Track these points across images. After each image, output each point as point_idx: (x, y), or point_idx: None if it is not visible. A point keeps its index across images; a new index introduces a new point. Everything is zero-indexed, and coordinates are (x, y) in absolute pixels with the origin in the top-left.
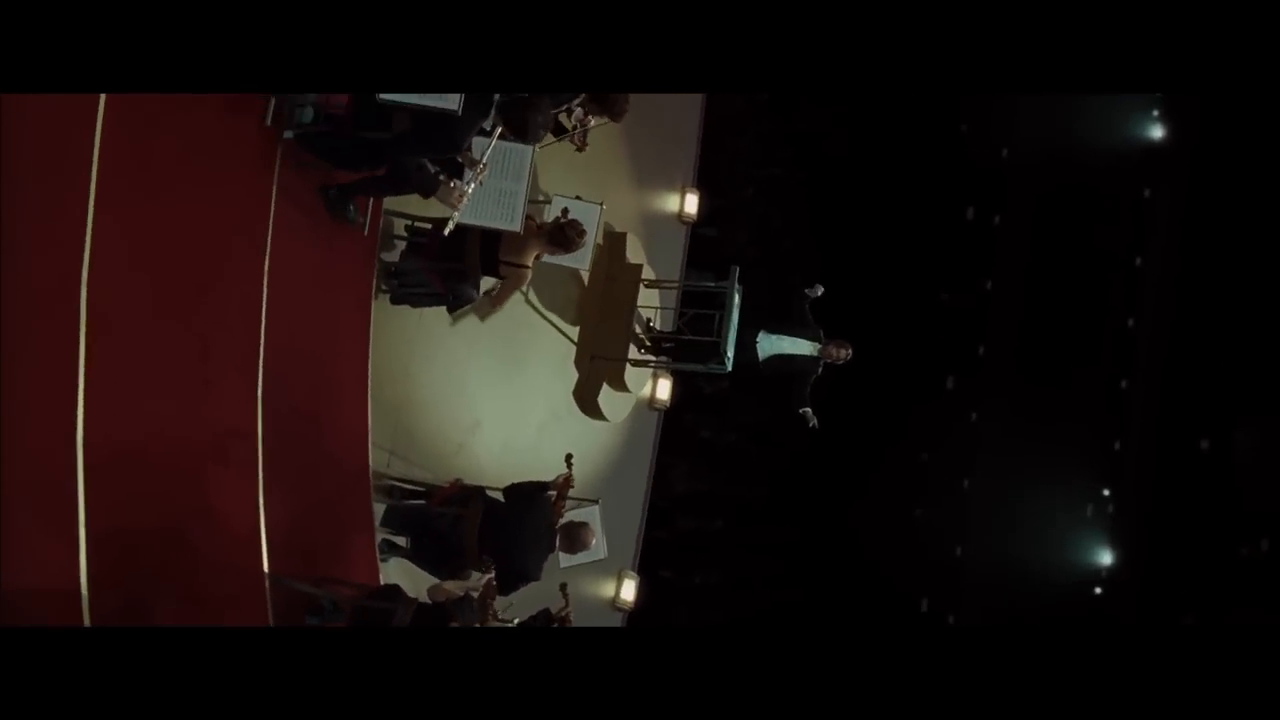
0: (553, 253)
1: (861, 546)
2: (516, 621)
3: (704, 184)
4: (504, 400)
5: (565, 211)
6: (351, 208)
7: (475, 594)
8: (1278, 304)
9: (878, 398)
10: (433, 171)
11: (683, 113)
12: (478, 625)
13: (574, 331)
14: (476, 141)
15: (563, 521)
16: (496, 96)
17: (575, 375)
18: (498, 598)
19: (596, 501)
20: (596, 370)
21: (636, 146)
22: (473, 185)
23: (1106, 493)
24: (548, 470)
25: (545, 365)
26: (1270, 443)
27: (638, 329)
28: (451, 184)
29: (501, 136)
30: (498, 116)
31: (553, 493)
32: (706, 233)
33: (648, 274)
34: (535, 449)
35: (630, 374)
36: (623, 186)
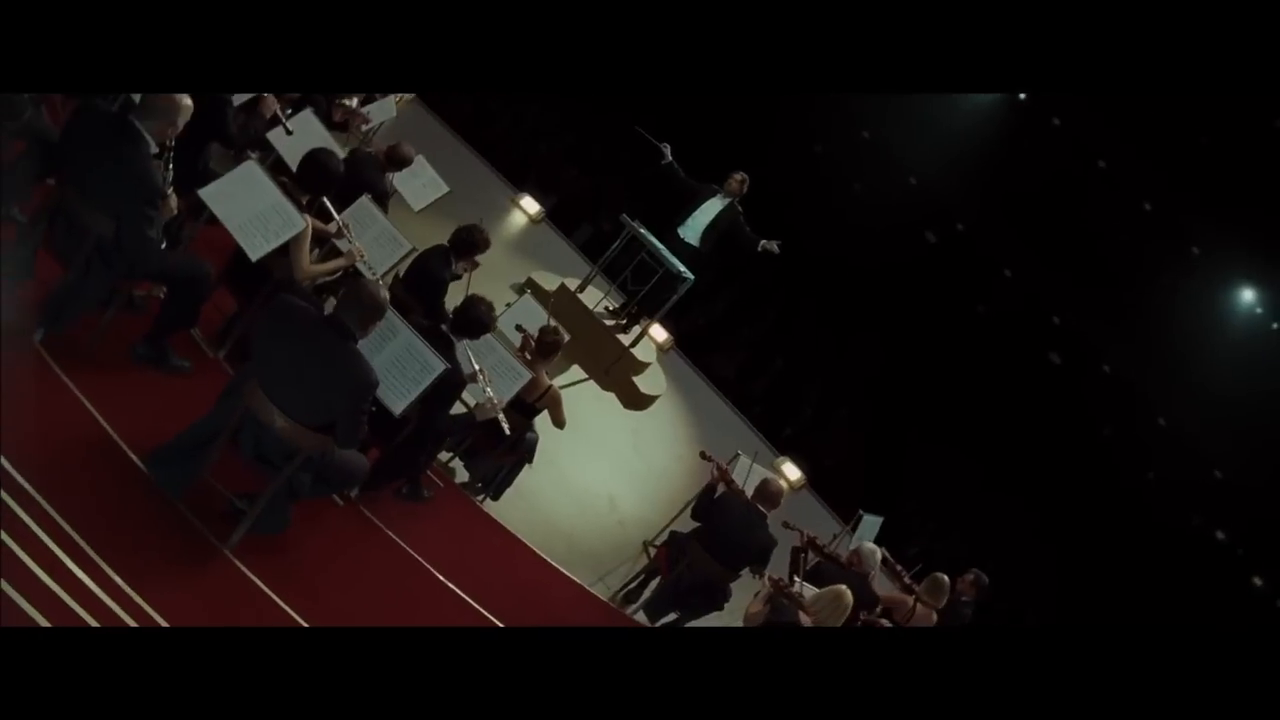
0: (552, 362)
1: (852, 243)
2: (801, 584)
3: (515, 181)
4: (602, 464)
5: (520, 328)
6: (425, 491)
7: (770, 593)
8: None
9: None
10: (444, 420)
11: (446, 153)
12: (799, 610)
13: (580, 372)
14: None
15: (752, 494)
16: (444, 328)
17: (612, 395)
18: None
19: (739, 454)
20: (617, 375)
21: (457, 216)
22: (489, 389)
23: None
24: (679, 463)
25: (594, 414)
26: None
27: (608, 323)
28: (481, 405)
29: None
30: (458, 336)
31: (721, 489)
32: (550, 203)
33: (571, 284)
34: (651, 465)
35: (636, 352)
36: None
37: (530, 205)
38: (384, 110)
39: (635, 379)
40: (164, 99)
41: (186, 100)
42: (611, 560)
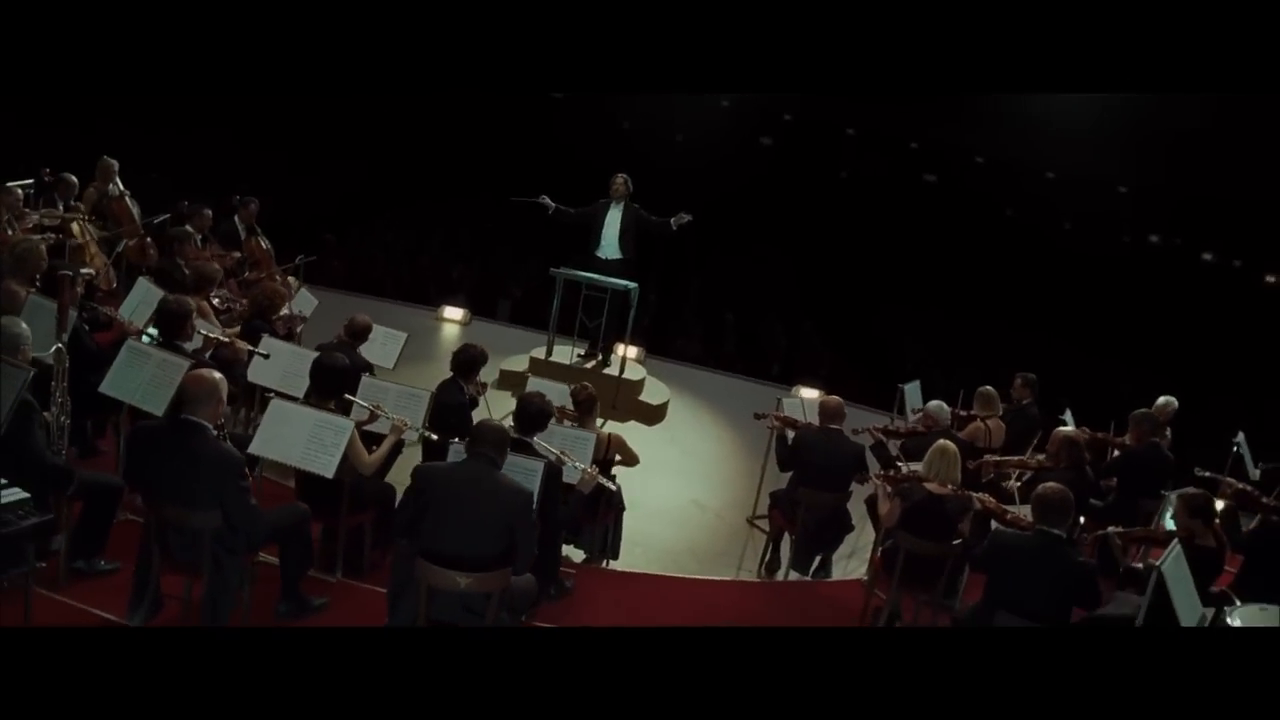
0: (595, 415)
1: (707, 183)
2: (905, 466)
3: (425, 301)
4: (669, 480)
5: (555, 404)
6: (567, 583)
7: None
8: None
9: None
10: (564, 510)
11: (353, 310)
12: (923, 483)
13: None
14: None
15: (818, 421)
16: (514, 433)
17: (633, 421)
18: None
19: (779, 399)
20: (625, 404)
21: (414, 357)
22: (580, 464)
23: None
24: (722, 443)
25: (632, 444)
26: None
27: (589, 366)
28: (582, 479)
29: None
30: (530, 439)
31: (791, 433)
32: (459, 304)
33: (538, 354)
34: (703, 458)
35: (630, 374)
36: (437, 369)
37: (453, 313)
38: (307, 302)
39: (641, 398)
40: (202, 385)
41: (217, 374)
42: (735, 548)
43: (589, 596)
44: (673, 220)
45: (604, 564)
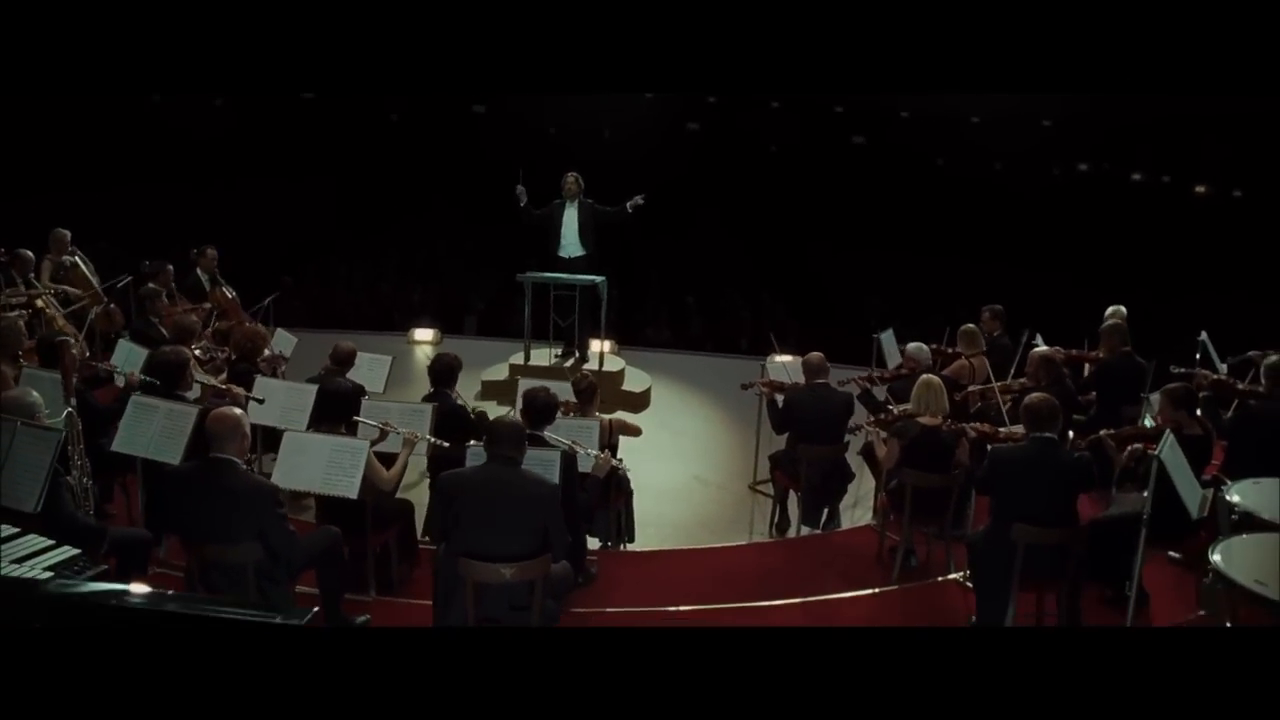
0: (597, 404)
1: (645, 173)
2: (894, 407)
3: (394, 327)
4: (667, 463)
5: (560, 396)
6: (591, 569)
7: (881, 433)
8: None
9: None
10: (584, 496)
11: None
12: (915, 419)
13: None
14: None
15: (806, 381)
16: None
17: (619, 412)
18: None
19: (763, 365)
20: (611, 397)
21: (398, 381)
22: (592, 451)
23: None
24: (710, 421)
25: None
26: None
27: (568, 365)
28: (596, 465)
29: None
30: (541, 432)
31: (780, 396)
32: (427, 325)
33: (517, 360)
34: (696, 436)
35: (609, 366)
36: (420, 389)
37: (424, 334)
38: (286, 342)
39: (624, 388)
40: (225, 423)
41: (237, 410)
42: (743, 515)
43: (615, 579)
44: (628, 205)
45: (621, 547)
